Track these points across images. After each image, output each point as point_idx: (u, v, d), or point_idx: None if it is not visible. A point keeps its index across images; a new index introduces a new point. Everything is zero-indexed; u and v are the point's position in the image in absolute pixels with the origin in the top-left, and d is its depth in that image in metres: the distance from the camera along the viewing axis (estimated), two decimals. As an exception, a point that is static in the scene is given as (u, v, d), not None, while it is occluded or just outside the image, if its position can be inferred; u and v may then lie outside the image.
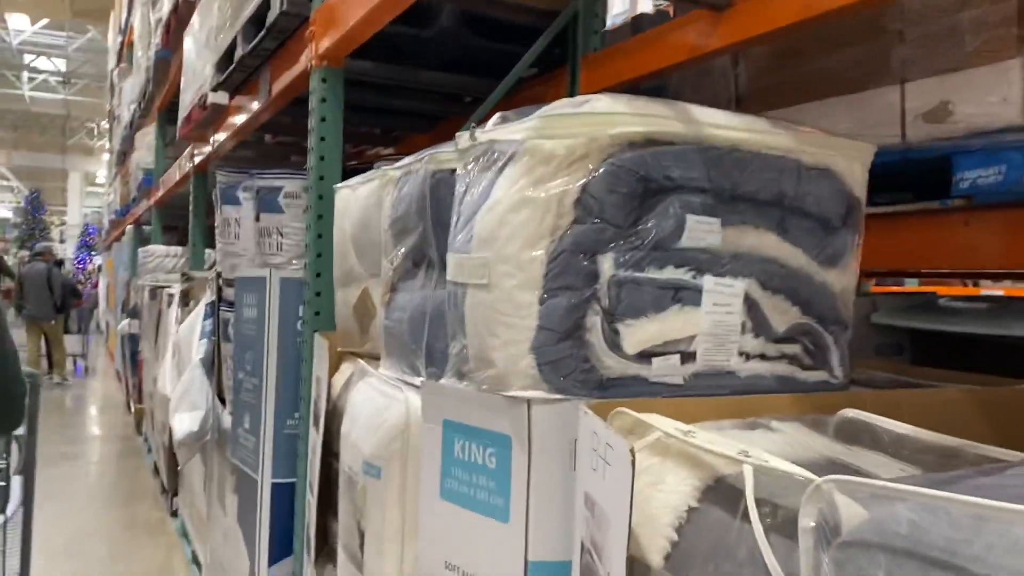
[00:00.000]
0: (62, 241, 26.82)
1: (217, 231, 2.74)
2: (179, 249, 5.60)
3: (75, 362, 10.92)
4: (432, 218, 1.35)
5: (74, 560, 3.80)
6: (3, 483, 2.02)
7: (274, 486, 2.23)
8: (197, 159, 4.42)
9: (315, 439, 1.84)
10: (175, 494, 4.40)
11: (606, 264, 1.02)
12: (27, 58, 21.45)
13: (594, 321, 1.02)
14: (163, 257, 5.65)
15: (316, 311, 2.10)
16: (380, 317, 1.63)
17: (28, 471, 2.10)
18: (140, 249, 6.69)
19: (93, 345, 12.56)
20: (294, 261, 2.29)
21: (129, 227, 9.11)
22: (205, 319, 3.09)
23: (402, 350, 1.46)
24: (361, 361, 1.71)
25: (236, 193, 2.46)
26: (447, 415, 1.14)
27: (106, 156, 29.61)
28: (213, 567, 2.91)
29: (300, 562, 2.06)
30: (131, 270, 8.47)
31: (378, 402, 1.45)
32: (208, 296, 3.11)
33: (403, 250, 1.48)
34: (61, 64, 21.92)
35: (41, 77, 22.74)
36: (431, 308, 1.35)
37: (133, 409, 7.13)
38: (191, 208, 4.74)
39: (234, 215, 2.51)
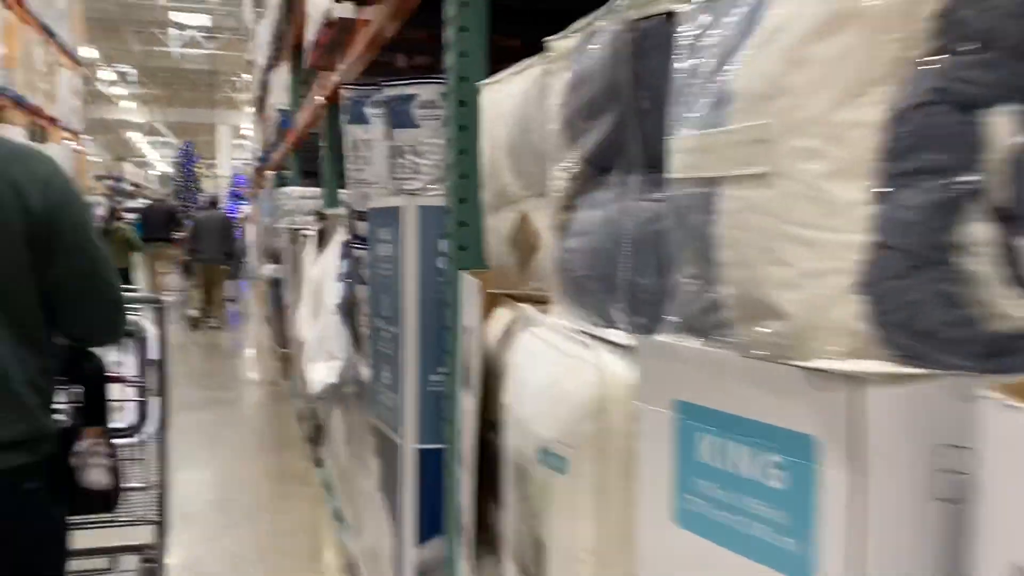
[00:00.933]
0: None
1: (347, 159, 2.40)
2: (314, 190, 5.40)
3: (229, 307, 11.24)
4: (635, 92, 0.91)
5: (221, 511, 3.69)
6: (142, 402, 2.10)
7: (419, 453, 1.90)
8: (326, 89, 4.13)
9: (467, 403, 1.47)
10: (319, 443, 4.23)
11: (1000, 127, 0.55)
12: (172, 15, 22.16)
13: (978, 233, 0.55)
14: (299, 199, 5.48)
15: (461, 245, 1.71)
16: (549, 247, 1.22)
17: (163, 393, 2.14)
18: (276, 191, 6.59)
19: (246, 290, 12.95)
20: (433, 186, 1.91)
21: (270, 173, 9.13)
22: (341, 259, 2.79)
23: (586, 290, 1.05)
24: (524, 306, 1.30)
25: (364, 110, 2.11)
26: (684, 394, 0.71)
27: (247, 109, 30.60)
28: (357, 533, 2.65)
29: (453, 547, 1.71)
30: (273, 215, 8.48)
31: (555, 364, 1.04)
32: (342, 234, 2.80)
33: (584, 150, 1.05)
34: (205, 20, 22.53)
35: (187, 33, 23.49)
36: (634, 227, 0.92)
37: (279, 354, 7.15)
38: (323, 144, 4.48)
39: (362, 136, 2.15)
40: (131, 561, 2.35)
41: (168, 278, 11.65)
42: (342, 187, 4.23)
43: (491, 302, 1.51)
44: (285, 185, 7.15)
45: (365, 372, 2.41)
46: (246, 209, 17.18)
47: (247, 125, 31.85)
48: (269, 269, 7.36)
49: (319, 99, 4.42)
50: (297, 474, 4.26)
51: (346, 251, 2.72)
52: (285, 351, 6.57)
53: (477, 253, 1.67)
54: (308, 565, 3.16)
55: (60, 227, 1.42)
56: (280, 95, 7.01)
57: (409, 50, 3.38)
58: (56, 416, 1.55)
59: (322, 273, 3.10)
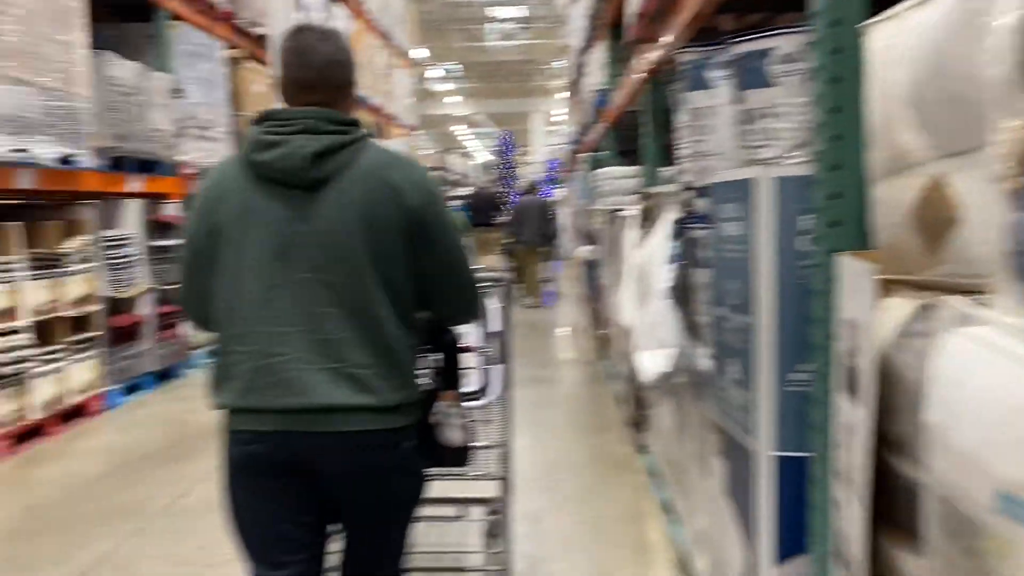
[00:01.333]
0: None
1: (683, 131, 2.20)
2: (634, 169, 5.28)
3: (544, 288, 11.62)
4: None
5: (548, 493, 3.71)
6: (487, 369, 2.29)
7: (778, 460, 1.66)
8: (647, 64, 3.96)
9: (853, 414, 1.21)
10: (641, 429, 4.11)
11: None
12: (489, 10, 23.41)
13: None
14: (617, 179, 5.39)
15: (834, 221, 1.43)
16: (979, 220, 0.93)
17: (506, 361, 2.32)
18: (594, 172, 6.57)
19: (560, 271, 13.32)
20: (793, 153, 1.64)
21: (584, 155, 9.23)
22: (671, 241, 2.61)
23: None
24: (949, 298, 1.02)
25: (706, 74, 1.89)
26: None
27: (558, 95, 31.47)
28: (700, 537, 2.47)
29: (823, 573, 1.46)
30: (587, 196, 8.54)
31: (1021, 382, 0.76)
32: (673, 213, 2.62)
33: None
34: (520, 11, 23.54)
35: (503, 26, 24.70)
36: None
37: (595, 334, 7.18)
38: (643, 121, 4.32)
39: (704, 103, 1.94)
40: (477, 512, 2.56)
41: (492, 260, 12.30)
42: (664, 164, 4.05)
43: (882, 289, 1.24)
44: (600, 167, 7.14)
45: (703, 363, 2.21)
46: (560, 192, 17.71)
47: (558, 111, 32.86)
48: (584, 250, 7.42)
49: (639, 75, 4.27)
50: (618, 459, 4.19)
51: (678, 231, 2.53)
52: (601, 332, 6.58)
53: (855, 231, 1.39)
54: (636, 557, 3.04)
55: (428, 222, 1.63)
56: (595, 76, 7.00)
57: (741, 8, 3.09)
58: (420, 383, 1.74)
59: (648, 255, 2.95)
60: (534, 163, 31.03)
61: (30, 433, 4.63)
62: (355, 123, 1.62)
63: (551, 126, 31.83)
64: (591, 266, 7.93)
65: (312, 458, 1.60)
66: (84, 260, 5.16)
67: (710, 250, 2.01)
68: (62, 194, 5.20)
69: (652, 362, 2.55)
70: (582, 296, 9.61)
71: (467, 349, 2.13)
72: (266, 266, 1.57)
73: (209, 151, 6.86)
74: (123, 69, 5.57)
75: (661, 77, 3.99)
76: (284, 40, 1.66)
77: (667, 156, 3.76)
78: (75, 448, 4.62)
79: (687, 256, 2.39)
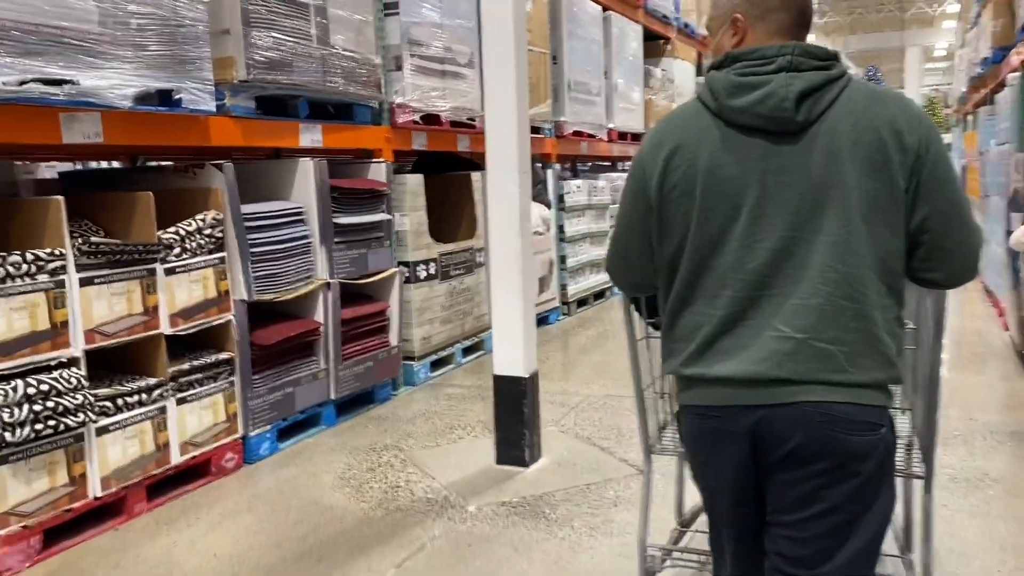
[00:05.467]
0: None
1: None
2: None
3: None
4: None
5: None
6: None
7: None
8: None
9: None
10: None
11: None
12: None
13: None
14: None
15: None
16: None
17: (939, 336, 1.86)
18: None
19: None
20: None
21: (1011, 76, 5.92)
22: None
23: None
24: None
25: None
26: None
27: (947, 23, 25.97)
28: None
29: None
30: (1018, 139, 5.35)
31: None
32: None
33: None
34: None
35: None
36: None
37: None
38: None
39: None
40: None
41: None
42: None
43: None
44: None
45: None
46: (945, 138, 13.76)
47: (943, 42, 27.26)
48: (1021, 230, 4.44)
49: None
50: None
51: None
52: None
53: None
54: None
55: (932, 163, 1.42)
56: None
57: None
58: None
59: None
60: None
61: (92, 515, 3.06)
62: (836, 57, 1.44)
63: (932, 62, 26.47)
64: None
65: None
66: (201, 248, 3.48)
67: None
68: (172, 150, 3.59)
69: None
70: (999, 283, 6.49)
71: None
72: (737, 225, 1.44)
73: (451, 90, 4.97)
74: (282, -35, 3.78)
75: None
76: None
77: None
78: (160, 545, 2.96)
79: None
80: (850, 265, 1.39)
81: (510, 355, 3.54)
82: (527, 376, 3.52)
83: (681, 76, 9.96)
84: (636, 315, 2.02)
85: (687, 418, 1.56)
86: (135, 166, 5.20)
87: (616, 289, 8.80)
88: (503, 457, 3.60)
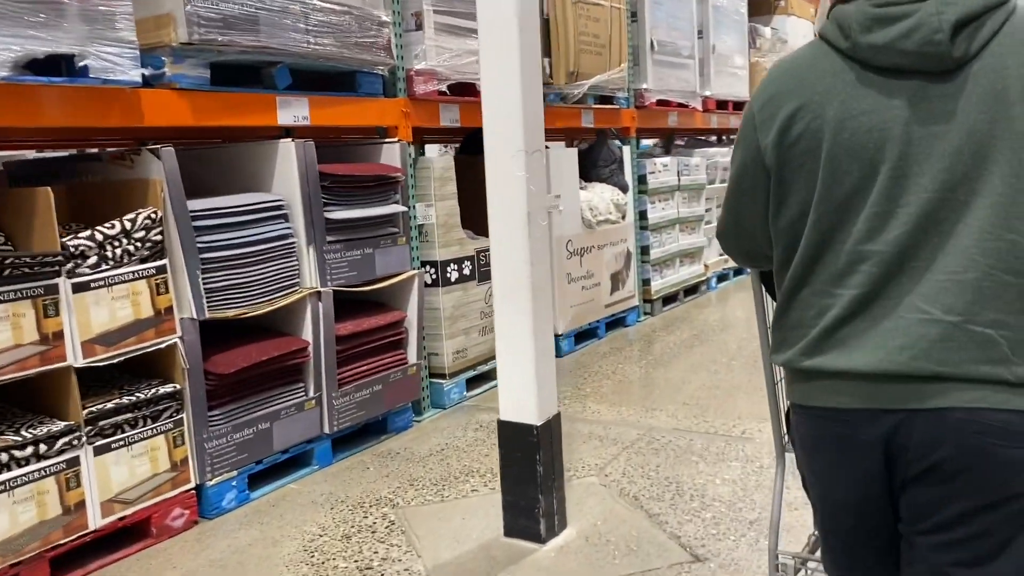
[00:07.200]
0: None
1: None
2: None
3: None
4: None
5: None
6: None
7: None
8: None
9: None
10: None
11: None
12: None
13: None
14: None
15: None
16: None
17: None
18: None
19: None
20: None
21: None
22: None
23: None
24: None
25: None
26: None
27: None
28: None
29: None
30: None
31: None
32: None
33: None
34: None
35: None
36: None
37: None
38: None
39: None
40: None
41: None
42: None
43: None
44: None
45: None
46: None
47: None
48: None
49: None
50: None
51: None
52: None
53: None
54: None
55: None
56: None
57: None
58: None
59: None
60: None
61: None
62: None
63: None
64: None
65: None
66: (130, 255, 2.76)
67: None
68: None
69: None
70: None
71: None
72: (874, 188, 1.22)
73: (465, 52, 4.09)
74: None
75: None
76: None
77: None
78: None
79: None
80: (1018, 232, 1.16)
81: (518, 396, 2.66)
82: (540, 424, 2.64)
83: (796, 36, 8.73)
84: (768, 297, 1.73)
85: (803, 420, 1.35)
86: (80, 154, 4.55)
87: (722, 275, 7.23)
88: (512, 528, 2.74)
